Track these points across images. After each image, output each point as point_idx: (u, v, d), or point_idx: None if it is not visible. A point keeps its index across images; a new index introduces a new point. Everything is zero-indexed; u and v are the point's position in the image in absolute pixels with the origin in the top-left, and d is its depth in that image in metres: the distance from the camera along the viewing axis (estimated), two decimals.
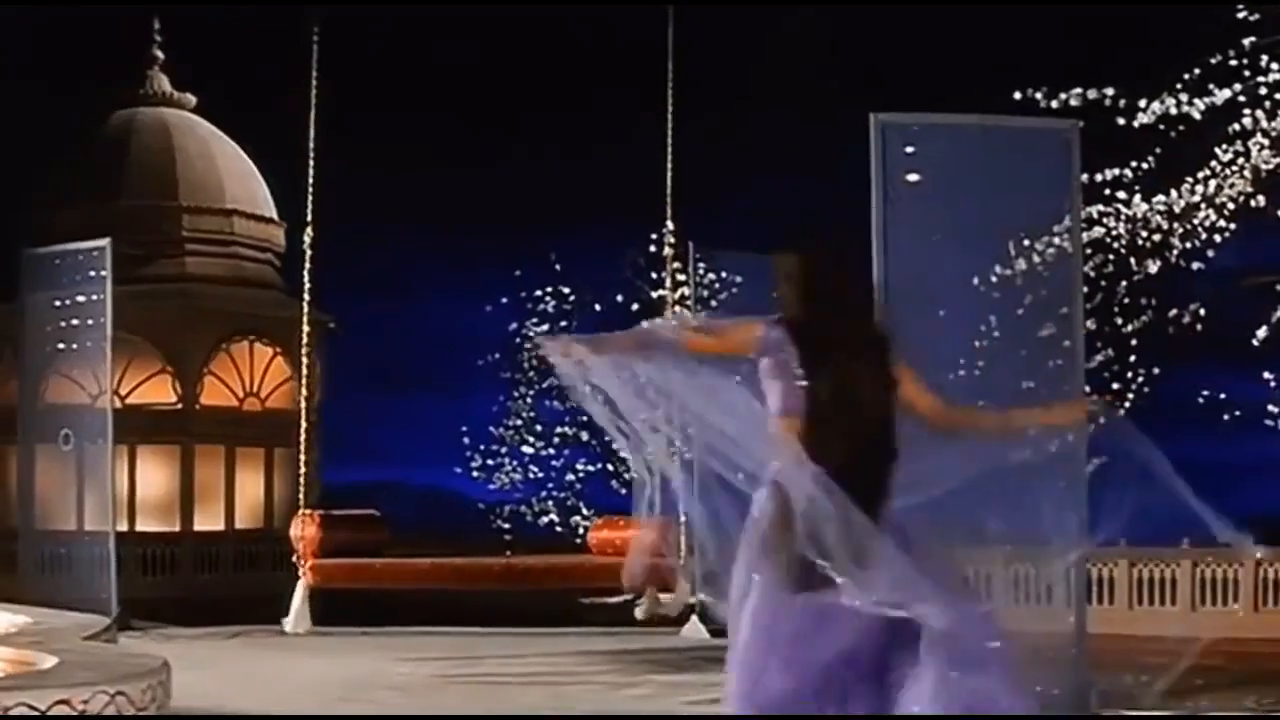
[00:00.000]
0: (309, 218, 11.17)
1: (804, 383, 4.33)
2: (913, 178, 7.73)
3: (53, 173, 20.10)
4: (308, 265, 11.21)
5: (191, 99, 21.17)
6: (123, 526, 18.51)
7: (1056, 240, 9.55)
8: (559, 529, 18.53)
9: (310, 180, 11.16)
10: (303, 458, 11.38)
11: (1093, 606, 19.42)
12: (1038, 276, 9.05)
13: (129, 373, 18.66)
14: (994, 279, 8.96)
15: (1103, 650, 8.82)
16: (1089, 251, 13.66)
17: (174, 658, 9.68)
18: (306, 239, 11.13)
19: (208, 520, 19.16)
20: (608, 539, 12.14)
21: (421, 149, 27.10)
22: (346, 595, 11.27)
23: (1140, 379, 15.67)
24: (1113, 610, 18.98)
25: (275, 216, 20.46)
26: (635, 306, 18.09)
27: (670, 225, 11.49)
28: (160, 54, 21.29)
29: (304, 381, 11.63)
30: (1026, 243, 9.50)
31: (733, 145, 21.26)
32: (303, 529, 11.22)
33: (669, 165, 11.37)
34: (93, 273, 11.57)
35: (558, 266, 19.05)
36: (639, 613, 11.43)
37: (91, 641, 6.81)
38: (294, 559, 10.82)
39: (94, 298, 11.59)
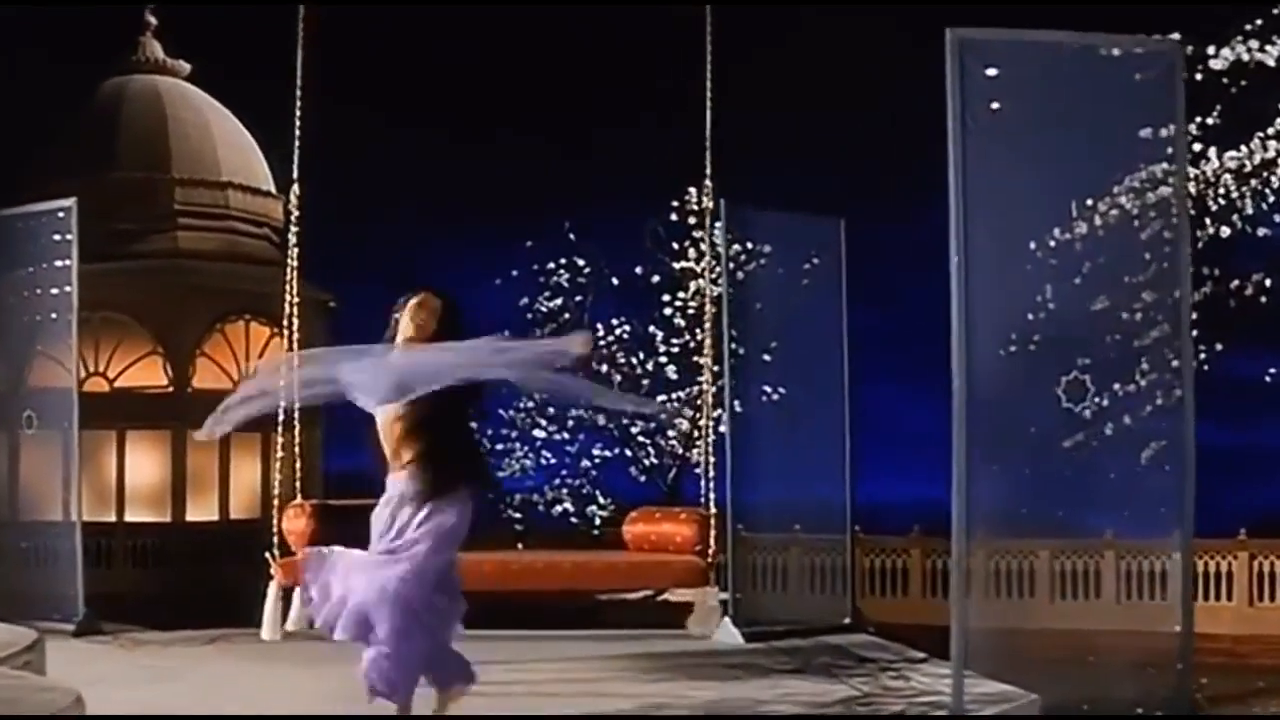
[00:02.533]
0: (295, 174, 9.95)
1: None
2: (994, 105, 6.60)
3: (39, 145, 19.17)
4: (294, 227, 10.01)
5: (186, 66, 20.28)
6: (111, 517, 17.90)
7: (1122, 200, 8.72)
8: (574, 519, 17.55)
9: (297, 130, 9.96)
10: (280, 439, 10.21)
11: (1143, 602, 18.39)
12: (1120, 229, 8.10)
13: (117, 354, 18.12)
14: (1062, 236, 8.04)
15: (1156, 650, 7.79)
16: (1152, 215, 12.74)
17: (138, 669, 8.69)
18: (293, 197, 9.91)
19: (201, 510, 18.31)
20: (644, 533, 10.88)
21: (426, 121, 26.10)
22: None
23: (1201, 355, 14.57)
24: (1165, 606, 17.86)
25: (273, 190, 19.56)
26: (656, 279, 17.22)
27: (709, 184, 10.29)
28: (153, 19, 20.41)
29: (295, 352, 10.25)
30: (1089, 203, 8.60)
31: (772, 91, 20.07)
32: (287, 521, 9.97)
33: (709, 112, 10.18)
34: (57, 236, 10.45)
35: (572, 236, 18.05)
36: (692, 623, 10.25)
37: (3, 667, 5.66)
38: (266, 554, 9.60)
39: (58, 264, 10.49)
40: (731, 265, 11.57)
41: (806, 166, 21.11)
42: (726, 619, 10.13)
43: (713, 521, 10.25)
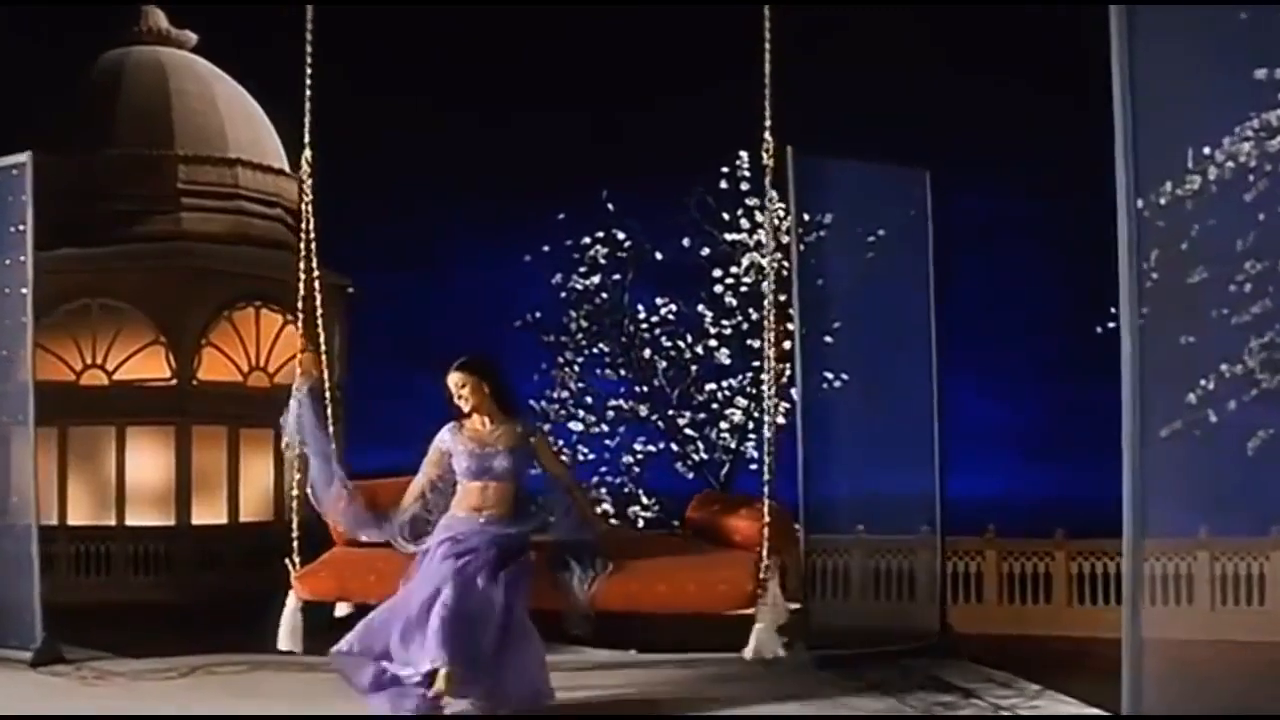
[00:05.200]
0: (306, 138, 8.35)
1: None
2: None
3: (34, 119, 18.11)
4: (308, 196, 8.39)
5: (192, 37, 19.45)
6: (110, 520, 16.91)
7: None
8: (614, 520, 16.24)
9: (308, 81, 8.36)
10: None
11: (1239, 607, 16.76)
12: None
13: (117, 344, 17.21)
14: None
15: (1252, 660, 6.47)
16: (1269, 168, 11.37)
17: (96, 709, 7.38)
18: (305, 162, 8.26)
19: (208, 512, 17.24)
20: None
21: (449, 89, 25.04)
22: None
23: None
24: (1264, 612, 16.37)
25: (286, 168, 18.78)
26: (705, 252, 15.89)
27: (769, 138, 8.57)
28: None
29: (318, 342, 8.51)
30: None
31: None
32: (333, 512, 8.31)
33: (768, 50, 8.57)
34: (11, 197, 9.06)
35: (610, 207, 16.66)
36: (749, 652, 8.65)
37: None
38: (285, 560, 7.99)
39: (12, 230, 9.08)
40: (788, 233, 10.12)
41: (868, 128, 19.81)
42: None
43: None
